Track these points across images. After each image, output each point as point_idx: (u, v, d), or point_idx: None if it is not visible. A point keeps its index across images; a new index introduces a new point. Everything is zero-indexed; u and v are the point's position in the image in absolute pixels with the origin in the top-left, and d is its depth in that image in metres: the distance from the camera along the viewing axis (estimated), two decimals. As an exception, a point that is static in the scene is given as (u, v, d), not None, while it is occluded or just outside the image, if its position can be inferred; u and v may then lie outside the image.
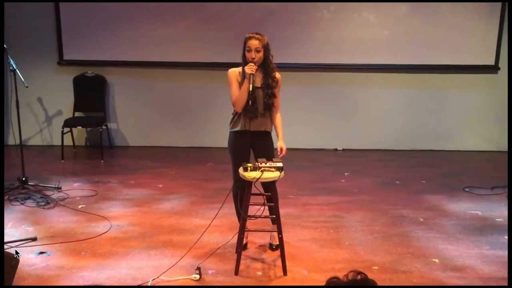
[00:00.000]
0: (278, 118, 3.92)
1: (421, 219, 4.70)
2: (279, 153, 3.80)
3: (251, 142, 3.89)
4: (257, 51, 3.72)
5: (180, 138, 7.03)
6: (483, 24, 6.58)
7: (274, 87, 3.84)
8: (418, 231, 4.45)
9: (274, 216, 3.91)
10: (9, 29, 6.56)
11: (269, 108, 3.85)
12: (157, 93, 6.93)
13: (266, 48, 3.76)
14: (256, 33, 3.77)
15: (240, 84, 3.81)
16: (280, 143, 3.85)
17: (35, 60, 6.70)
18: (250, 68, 3.70)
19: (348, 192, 5.38)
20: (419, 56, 6.66)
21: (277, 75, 3.86)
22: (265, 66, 3.80)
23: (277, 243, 4.05)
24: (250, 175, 3.57)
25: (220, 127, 6.94)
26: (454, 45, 6.62)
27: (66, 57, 6.76)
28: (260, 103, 3.81)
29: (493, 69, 6.71)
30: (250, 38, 3.74)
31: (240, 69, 3.85)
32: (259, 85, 3.81)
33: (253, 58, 3.72)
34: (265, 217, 3.98)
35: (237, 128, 3.87)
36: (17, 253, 3.24)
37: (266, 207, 3.88)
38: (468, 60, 6.68)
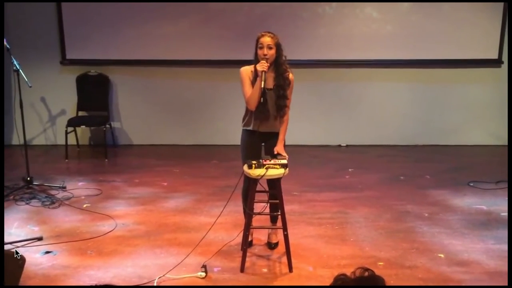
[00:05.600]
0: (285, 120, 3.87)
1: (426, 214, 4.70)
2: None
3: (262, 140, 3.90)
4: (269, 48, 3.68)
5: (184, 136, 7.03)
6: (486, 18, 6.55)
7: (286, 89, 3.78)
8: (423, 227, 4.44)
9: (275, 214, 3.93)
10: (12, 30, 6.58)
11: (281, 109, 3.80)
12: (161, 91, 6.93)
13: (278, 47, 3.72)
14: (268, 32, 3.74)
15: (253, 83, 3.77)
16: (278, 148, 3.80)
17: (38, 60, 6.71)
18: (262, 66, 3.65)
19: (352, 188, 5.38)
20: (422, 51, 6.64)
21: (290, 75, 3.80)
22: (278, 66, 3.75)
23: (275, 241, 4.07)
24: (255, 172, 3.57)
25: (224, 124, 7.00)
26: (457, 39, 6.60)
27: (69, 56, 6.77)
28: (272, 104, 3.77)
29: (496, 63, 6.69)
30: (262, 35, 3.71)
31: (252, 67, 3.80)
32: (271, 87, 3.75)
33: (265, 55, 3.67)
34: (270, 214, 3.99)
35: (249, 128, 3.87)
36: (17, 253, 3.25)
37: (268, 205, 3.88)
38: (472, 54, 6.66)
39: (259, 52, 3.70)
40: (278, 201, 3.71)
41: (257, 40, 3.72)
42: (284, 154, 3.78)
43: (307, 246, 4.09)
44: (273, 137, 3.88)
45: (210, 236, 4.08)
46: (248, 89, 3.77)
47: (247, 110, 3.86)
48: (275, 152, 3.80)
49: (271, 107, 3.77)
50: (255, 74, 3.75)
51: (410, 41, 6.61)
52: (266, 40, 3.68)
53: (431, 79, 6.85)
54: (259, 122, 3.81)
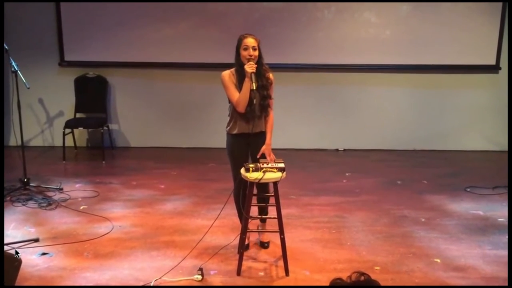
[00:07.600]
0: (271, 120, 3.90)
1: (423, 219, 4.70)
2: (267, 159, 3.78)
3: (249, 141, 3.89)
4: (254, 49, 3.71)
5: (181, 139, 7.03)
6: (484, 24, 6.58)
7: (268, 88, 3.83)
8: (420, 231, 4.45)
9: (265, 216, 3.95)
10: (10, 31, 6.58)
11: (265, 109, 3.84)
12: (158, 93, 6.94)
13: (259, 48, 3.76)
14: (250, 33, 3.77)
15: (236, 86, 3.79)
16: (266, 148, 3.83)
17: (37, 61, 6.71)
18: (251, 67, 3.67)
19: (349, 193, 5.38)
20: (420, 56, 6.67)
21: (271, 75, 3.86)
22: (259, 67, 3.77)
23: (267, 240, 4.11)
24: (252, 175, 3.56)
25: (222, 127, 6.89)
26: (455, 45, 6.63)
27: (67, 58, 6.77)
28: (257, 105, 3.79)
29: (494, 69, 6.72)
30: (245, 37, 3.73)
31: (232, 70, 3.84)
32: (255, 87, 3.76)
33: (250, 56, 3.70)
34: (267, 217, 3.99)
35: (236, 131, 3.87)
36: (17, 252, 3.24)
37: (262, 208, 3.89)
38: (469, 60, 6.68)
39: (244, 53, 3.72)
40: (275, 204, 3.70)
41: (240, 42, 3.74)
42: (272, 156, 3.82)
43: (304, 250, 4.08)
44: (258, 137, 3.88)
45: (207, 239, 4.08)
46: (235, 92, 3.78)
47: (232, 114, 3.87)
48: (261, 152, 3.80)
49: (256, 107, 3.79)
50: (238, 77, 3.78)
51: (409, 46, 6.63)
52: (251, 41, 3.71)
53: (429, 84, 6.87)
54: (250, 123, 3.81)
